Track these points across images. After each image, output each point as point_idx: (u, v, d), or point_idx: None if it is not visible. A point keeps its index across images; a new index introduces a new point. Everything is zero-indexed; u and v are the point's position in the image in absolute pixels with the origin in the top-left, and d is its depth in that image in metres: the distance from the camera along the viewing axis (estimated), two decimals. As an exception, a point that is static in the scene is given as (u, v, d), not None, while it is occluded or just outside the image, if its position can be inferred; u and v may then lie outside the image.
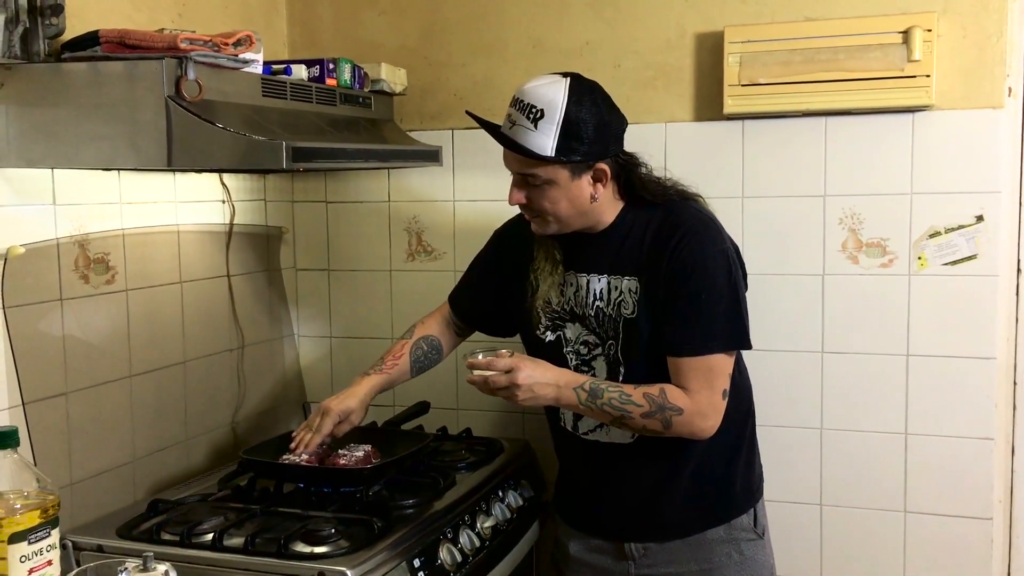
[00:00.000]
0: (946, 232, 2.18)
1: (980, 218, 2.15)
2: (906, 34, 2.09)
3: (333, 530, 1.76)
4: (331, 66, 2.17)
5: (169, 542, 1.75)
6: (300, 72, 2.10)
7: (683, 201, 1.87)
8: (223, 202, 2.37)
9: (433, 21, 2.52)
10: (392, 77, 2.39)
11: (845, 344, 2.26)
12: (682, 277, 1.77)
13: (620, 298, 1.82)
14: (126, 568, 1.36)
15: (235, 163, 1.78)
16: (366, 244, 2.63)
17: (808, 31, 2.17)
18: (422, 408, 2.42)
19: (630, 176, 1.85)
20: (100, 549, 1.76)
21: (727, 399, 1.80)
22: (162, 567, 1.38)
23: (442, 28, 2.51)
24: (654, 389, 1.75)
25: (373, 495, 1.93)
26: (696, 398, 1.75)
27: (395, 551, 1.73)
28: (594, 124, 1.75)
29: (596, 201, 1.81)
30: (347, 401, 2.00)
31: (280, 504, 1.93)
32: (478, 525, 1.98)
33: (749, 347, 1.85)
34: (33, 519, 1.50)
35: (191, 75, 1.68)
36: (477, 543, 1.94)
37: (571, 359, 1.89)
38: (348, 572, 1.61)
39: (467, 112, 1.88)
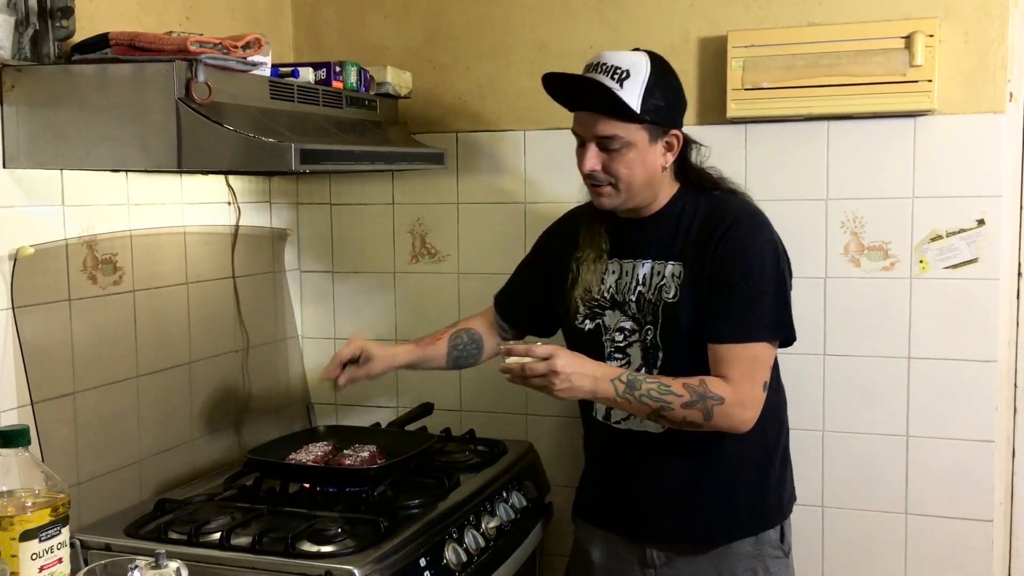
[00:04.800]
0: (947, 236, 2.19)
1: (981, 222, 2.17)
2: (908, 39, 2.11)
3: (339, 529, 1.77)
4: (337, 69, 2.19)
5: (177, 541, 1.76)
6: (307, 75, 2.12)
7: (730, 192, 1.90)
8: (229, 204, 2.38)
9: (438, 25, 2.53)
10: (397, 80, 2.41)
11: (847, 346, 2.28)
12: (729, 264, 1.77)
13: (662, 282, 1.82)
14: (137, 566, 1.37)
15: (244, 165, 1.79)
16: (370, 246, 2.65)
17: (811, 36, 2.18)
18: (426, 409, 2.43)
19: (686, 156, 1.87)
20: (108, 548, 1.76)
21: (767, 392, 1.78)
22: (174, 564, 1.39)
23: (447, 32, 2.52)
24: (693, 380, 1.73)
25: (378, 495, 1.94)
26: (737, 387, 1.72)
27: (401, 551, 1.74)
28: (673, 91, 1.80)
29: (664, 172, 1.82)
30: (375, 347, 2.04)
31: (286, 504, 1.94)
32: (483, 525, 1.99)
33: (794, 338, 1.86)
34: (44, 517, 1.51)
35: (201, 77, 1.69)
36: (482, 543, 1.95)
37: (607, 346, 1.87)
38: (355, 571, 1.62)
39: (546, 76, 1.81)
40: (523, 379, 1.72)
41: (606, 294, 1.88)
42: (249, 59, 1.79)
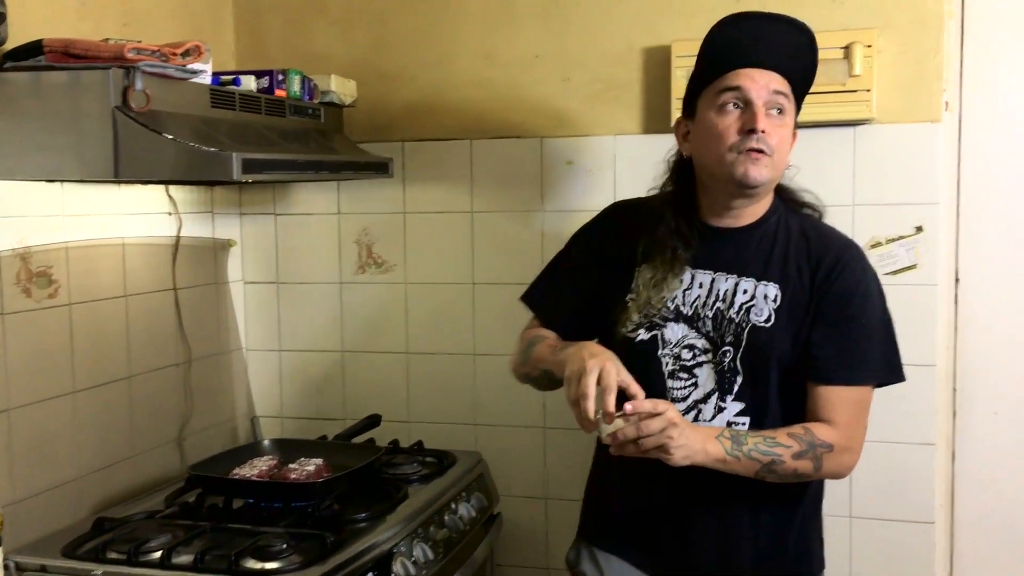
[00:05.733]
0: (887, 242, 2.23)
1: (919, 229, 2.21)
2: (847, 49, 2.15)
3: (284, 545, 1.74)
4: (280, 77, 2.16)
5: (115, 561, 1.71)
6: (249, 83, 2.09)
7: (816, 212, 1.74)
8: (170, 214, 2.33)
9: (383, 33, 2.52)
10: (342, 89, 2.39)
11: (791, 353, 2.30)
12: (843, 302, 1.61)
13: (751, 303, 1.63)
14: (73, 588, 1.33)
15: (184, 174, 1.76)
16: (316, 257, 2.62)
17: (753, 46, 2.21)
18: (373, 421, 2.41)
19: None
20: (44, 569, 1.72)
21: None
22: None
23: (392, 40, 2.51)
24: (796, 428, 1.58)
25: (325, 509, 1.91)
26: (844, 432, 1.59)
27: (349, 566, 1.71)
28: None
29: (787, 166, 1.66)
30: (611, 358, 1.55)
31: (230, 520, 1.90)
32: (432, 537, 1.97)
33: (903, 379, 1.70)
34: (-26, 539, 1.46)
35: (139, 85, 1.66)
36: (431, 555, 1.93)
37: (667, 363, 1.65)
38: (301, 587, 1.59)
39: (733, 16, 1.65)
40: (635, 442, 1.48)
41: (669, 304, 1.66)
42: (188, 67, 1.76)
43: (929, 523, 2.25)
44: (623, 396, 1.51)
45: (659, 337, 1.66)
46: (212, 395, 2.50)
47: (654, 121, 2.34)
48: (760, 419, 1.61)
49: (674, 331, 1.66)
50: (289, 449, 2.23)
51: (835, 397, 1.60)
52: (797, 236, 1.67)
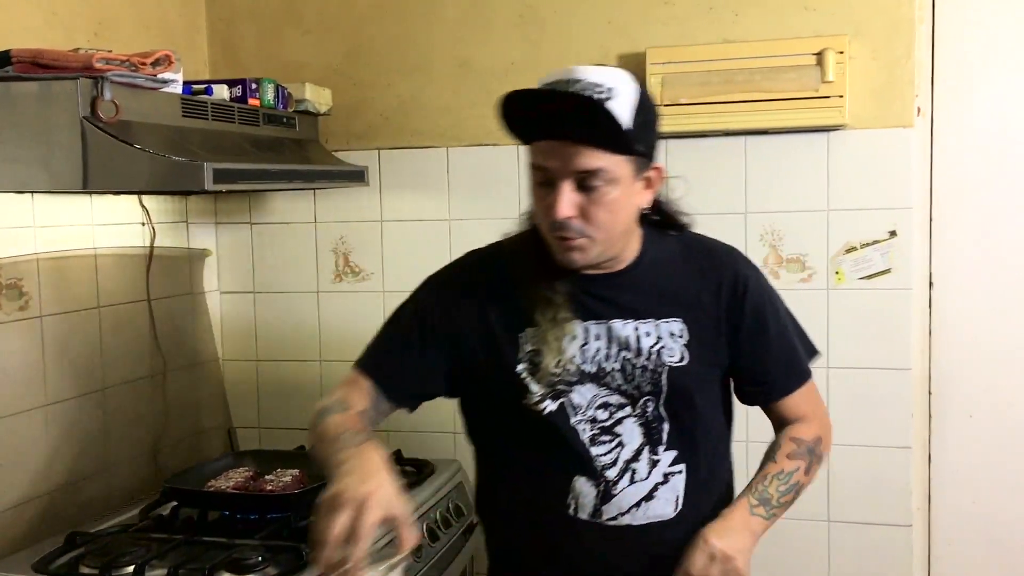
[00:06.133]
0: (861, 247, 2.24)
1: (893, 233, 2.22)
2: (820, 56, 2.16)
3: (260, 558, 1.72)
4: (254, 86, 2.15)
5: (88, 576, 1.70)
6: (222, 92, 2.08)
7: (686, 226, 1.59)
8: (143, 224, 2.31)
9: (358, 41, 2.51)
10: (317, 97, 2.38)
11: (768, 358, 2.31)
12: (760, 316, 1.53)
13: (659, 345, 1.47)
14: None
15: (155, 185, 1.75)
16: (292, 266, 2.60)
17: (726, 53, 2.22)
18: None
19: (659, 193, 1.50)
20: (14, 586, 1.70)
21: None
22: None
23: (368, 48, 2.50)
24: (786, 445, 1.54)
25: (301, 521, 1.90)
26: (817, 420, 1.59)
27: (324, 577, 1.70)
28: (656, 116, 1.43)
29: (640, 215, 1.47)
30: (382, 488, 1.27)
31: (205, 533, 1.88)
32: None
33: (819, 352, 1.67)
34: (-58, 557, 1.44)
35: (107, 95, 1.65)
36: (411, 564, 1.92)
37: (583, 430, 1.46)
38: (276, 600, 1.58)
39: (511, 95, 1.35)
40: None
41: (569, 366, 1.46)
42: (159, 76, 1.75)
43: (907, 526, 2.26)
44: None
45: (567, 404, 1.46)
46: (188, 407, 2.48)
47: (629, 128, 2.34)
48: (694, 461, 1.50)
49: (582, 394, 1.46)
50: (266, 460, 2.21)
51: (795, 400, 1.60)
52: (681, 261, 1.53)
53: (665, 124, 2.22)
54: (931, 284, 2.27)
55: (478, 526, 2.27)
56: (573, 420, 1.46)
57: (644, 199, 1.44)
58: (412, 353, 1.52)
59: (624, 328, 1.47)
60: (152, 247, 2.33)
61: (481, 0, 2.42)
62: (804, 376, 1.60)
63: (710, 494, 1.52)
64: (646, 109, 1.38)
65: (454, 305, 1.53)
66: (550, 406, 1.46)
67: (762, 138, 2.26)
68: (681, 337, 1.49)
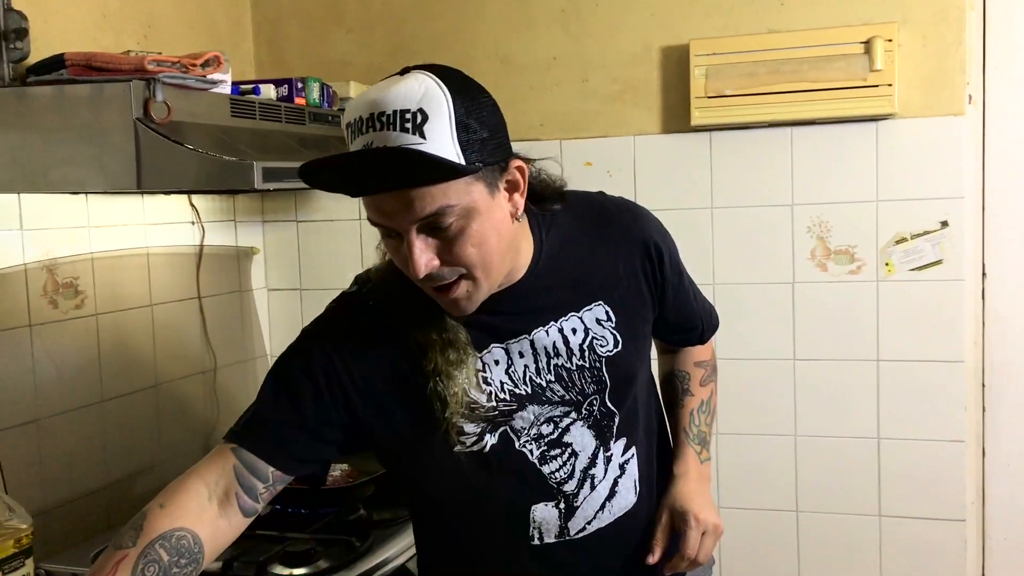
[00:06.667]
0: (912, 238, 2.21)
1: (945, 224, 2.19)
2: (868, 44, 2.13)
3: (312, 550, 1.75)
4: (299, 85, 2.17)
5: (145, 568, 1.72)
6: (269, 92, 2.10)
7: (567, 192, 1.38)
8: (193, 223, 2.35)
9: (401, 39, 2.52)
10: (361, 95, 2.39)
11: (816, 351, 2.29)
12: (674, 270, 1.43)
13: (588, 338, 1.35)
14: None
15: (206, 184, 1.77)
16: (338, 262, 2.63)
17: (772, 43, 2.20)
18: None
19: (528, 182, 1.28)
20: (75, 578, 1.73)
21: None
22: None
23: (410, 46, 2.52)
24: (694, 372, 1.56)
25: (352, 514, 1.92)
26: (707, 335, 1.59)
27: (377, 571, 1.72)
28: (489, 109, 1.20)
29: (518, 222, 1.26)
30: None
31: (258, 526, 1.90)
32: (458, 542, 1.97)
33: None
34: (6, 549, 1.48)
35: (159, 97, 1.67)
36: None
37: (531, 451, 1.33)
38: (328, 593, 1.60)
39: (304, 168, 1.15)
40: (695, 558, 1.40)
41: (500, 394, 1.31)
42: (208, 77, 1.78)
43: (960, 521, 2.23)
44: None
45: (508, 431, 1.32)
46: (238, 402, 2.52)
47: (673, 121, 2.33)
48: (639, 438, 1.41)
49: (523, 418, 1.32)
50: (315, 455, 2.23)
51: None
52: (581, 236, 1.37)
53: (709, 116, 2.25)
54: (984, 274, 2.23)
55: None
56: (518, 445, 1.32)
57: (514, 205, 1.24)
58: (304, 415, 1.28)
59: (548, 334, 1.33)
60: (202, 246, 2.37)
61: (523, -5, 2.42)
62: (714, 310, 1.58)
63: (653, 457, 1.46)
64: (474, 112, 1.16)
65: (355, 358, 1.30)
66: (490, 440, 1.31)
67: (809, 129, 2.24)
68: (609, 321, 1.36)
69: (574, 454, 1.35)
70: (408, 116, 1.12)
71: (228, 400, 2.46)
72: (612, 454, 1.37)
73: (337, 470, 2.07)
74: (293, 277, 2.67)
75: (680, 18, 2.31)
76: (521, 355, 1.32)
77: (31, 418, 1.87)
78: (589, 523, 1.36)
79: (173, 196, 2.27)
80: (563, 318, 1.34)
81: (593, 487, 1.36)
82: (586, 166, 2.40)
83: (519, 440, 1.33)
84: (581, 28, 2.39)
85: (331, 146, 2.25)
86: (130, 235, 2.15)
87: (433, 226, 1.16)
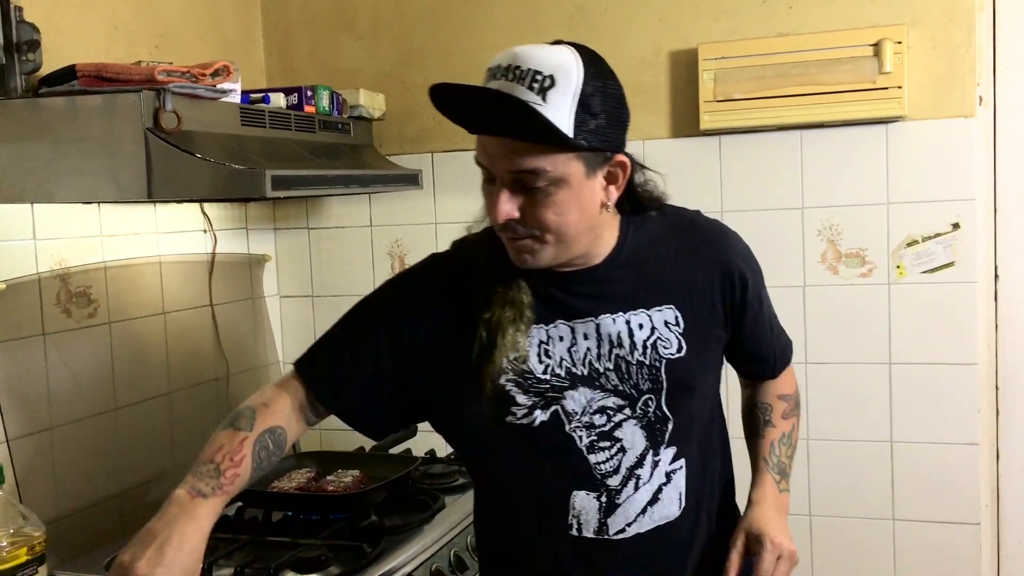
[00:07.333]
0: (923, 240, 2.20)
1: (956, 225, 2.18)
2: (877, 46, 2.12)
3: (324, 557, 1.75)
4: (309, 93, 2.18)
5: (158, 575, 1.73)
6: (278, 100, 2.11)
7: (668, 205, 1.46)
8: (204, 231, 2.37)
9: (410, 46, 2.53)
10: (370, 103, 2.41)
11: (828, 354, 2.28)
12: (755, 293, 1.46)
13: (653, 337, 1.36)
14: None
15: (216, 193, 1.79)
16: (349, 269, 2.64)
17: (780, 47, 2.20)
18: (409, 431, 2.41)
19: (631, 182, 1.36)
20: (88, 585, 1.75)
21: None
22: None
23: (419, 53, 2.53)
24: (776, 405, 1.55)
25: (363, 520, 1.92)
26: (786, 367, 1.60)
27: (387, 576, 1.72)
28: (615, 99, 1.26)
29: (607, 212, 1.32)
30: (178, 563, 1.28)
31: (269, 533, 1.92)
32: (469, 547, 1.98)
33: None
34: (20, 556, 1.49)
35: (169, 106, 1.68)
36: (470, 563, 1.93)
37: (580, 437, 1.35)
38: (340, 599, 1.60)
39: (434, 88, 1.23)
40: None
41: (557, 370, 1.34)
42: (218, 86, 1.79)
43: (975, 524, 2.22)
44: None
45: (560, 412, 1.35)
46: (250, 409, 2.53)
47: (683, 125, 2.33)
48: (691, 452, 1.41)
49: (575, 400, 1.35)
50: (327, 461, 2.24)
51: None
52: (667, 242, 1.41)
53: (718, 120, 2.24)
54: (996, 276, 2.22)
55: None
56: (568, 428, 1.35)
57: (607, 196, 1.30)
58: (364, 363, 1.39)
59: (615, 323, 1.35)
60: (214, 253, 2.38)
61: (530, 1, 2.43)
62: (791, 345, 1.60)
63: (706, 479, 1.45)
64: (600, 95, 1.23)
65: (411, 310, 1.40)
66: (540, 416, 1.34)
67: (819, 132, 2.23)
68: (677, 325, 1.38)
69: (623, 450, 1.36)
70: (539, 77, 1.20)
71: (241, 407, 2.47)
72: (660, 459, 1.38)
73: (348, 476, 2.08)
74: (305, 284, 2.68)
75: (688, 22, 2.31)
76: (586, 336, 1.36)
77: (45, 426, 1.88)
78: (629, 525, 1.37)
79: (185, 204, 2.29)
80: (632, 311, 1.37)
81: (637, 487, 1.37)
82: (595, 171, 2.40)
83: (570, 423, 1.35)
84: (590, 33, 2.39)
85: (341, 153, 2.26)
86: (142, 244, 2.16)
87: (524, 183, 1.24)
